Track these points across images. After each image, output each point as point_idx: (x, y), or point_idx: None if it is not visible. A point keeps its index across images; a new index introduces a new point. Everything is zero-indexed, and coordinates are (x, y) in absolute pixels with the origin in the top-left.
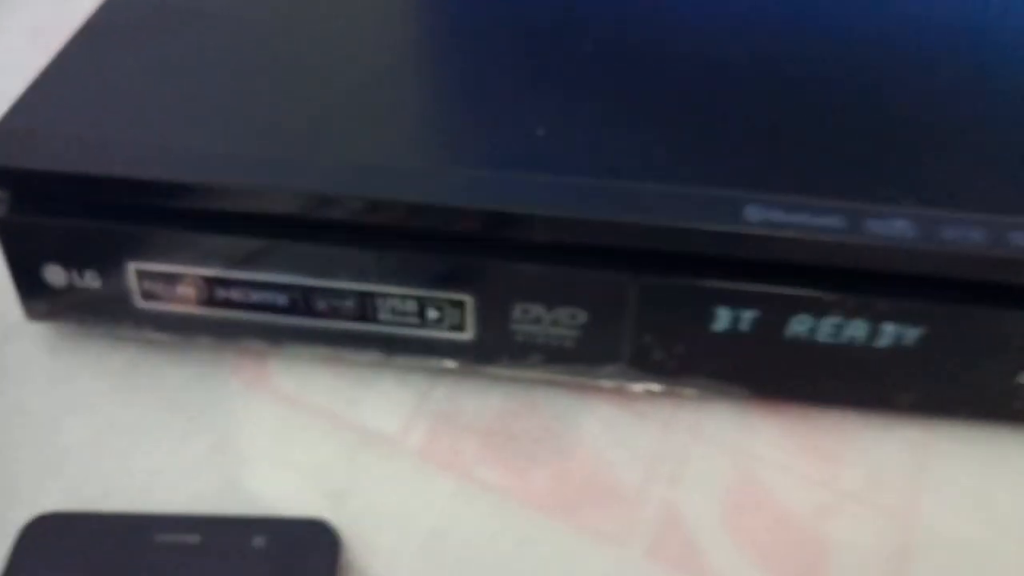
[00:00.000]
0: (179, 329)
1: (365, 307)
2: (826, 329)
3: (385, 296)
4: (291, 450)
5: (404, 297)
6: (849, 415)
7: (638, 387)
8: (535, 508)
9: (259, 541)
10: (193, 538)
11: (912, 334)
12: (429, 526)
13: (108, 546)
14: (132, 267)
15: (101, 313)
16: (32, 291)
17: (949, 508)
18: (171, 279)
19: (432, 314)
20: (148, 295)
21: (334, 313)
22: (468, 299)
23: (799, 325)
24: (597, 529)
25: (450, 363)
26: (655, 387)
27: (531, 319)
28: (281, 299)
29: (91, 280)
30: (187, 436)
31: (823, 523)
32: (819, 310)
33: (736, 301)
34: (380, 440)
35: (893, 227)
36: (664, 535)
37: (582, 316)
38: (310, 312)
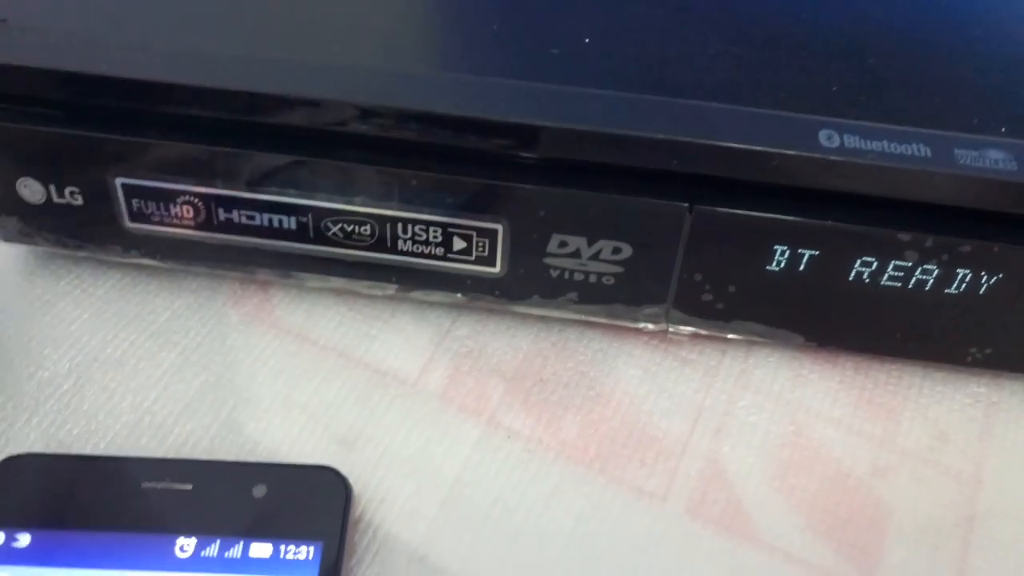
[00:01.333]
0: (171, 255)
1: (384, 234)
2: (894, 273)
3: (406, 222)
4: (296, 390)
5: (428, 224)
6: (911, 369)
7: (683, 330)
8: (566, 459)
9: (259, 490)
10: (184, 485)
11: (989, 281)
12: (450, 477)
13: (88, 493)
14: (118, 182)
15: (84, 235)
16: (5, 208)
17: (1018, 471)
18: (163, 197)
19: (459, 244)
20: (136, 215)
21: (348, 240)
22: (500, 227)
23: (864, 267)
24: (633, 483)
25: (476, 300)
26: (701, 331)
27: (568, 252)
28: (289, 223)
29: (72, 196)
30: (179, 372)
31: (880, 484)
32: (889, 251)
33: (798, 237)
34: (396, 381)
35: (986, 158)
36: (706, 492)
37: (626, 250)
38: (321, 238)
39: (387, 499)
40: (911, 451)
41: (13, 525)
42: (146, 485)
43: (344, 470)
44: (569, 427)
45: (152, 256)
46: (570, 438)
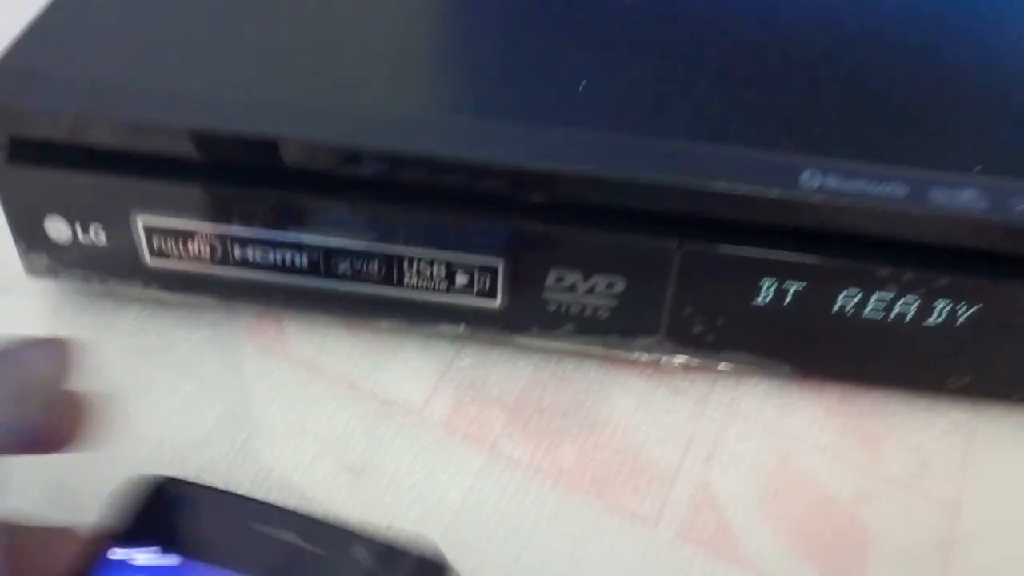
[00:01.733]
0: (190, 289)
1: (390, 270)
2: (876, 305)
3: (412, 259)
4: (308, 419)
5: (432, 260)
6: (894, 397)
7: (675, 361)
8: (564, 486)
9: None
10: (289, 535)
11: (967, 312)
12: (455, 503)
13: (218, 522)
14: (140, 221)
15: (107, 270)
16: (33, 245)
17: (998, 497)
18: (182, 235)
19: (461, 279)
20: (157, 252)
21: (357, 276)
22: (500, 263)
23: (848, 300)
24: (628, 508)
25: (477, 332)
26: (692, 361)
27: (565, 287)
28: (301, 260)
29: (96, 235)
30: (197, 402)
31: (864, 509)
32: (871, 284)
33: (784, 272)
34: (403, 411)
35: (960, 197)
36: (697, 517)
37: (620, 284)
38: (331, 274)
39: (393, 525)
40: (894, 477)
41: (165, 545)
42: (255, 527)
43: (352, 498)
44: (566, 455)
45: (171, 290)
46: (567, 466)
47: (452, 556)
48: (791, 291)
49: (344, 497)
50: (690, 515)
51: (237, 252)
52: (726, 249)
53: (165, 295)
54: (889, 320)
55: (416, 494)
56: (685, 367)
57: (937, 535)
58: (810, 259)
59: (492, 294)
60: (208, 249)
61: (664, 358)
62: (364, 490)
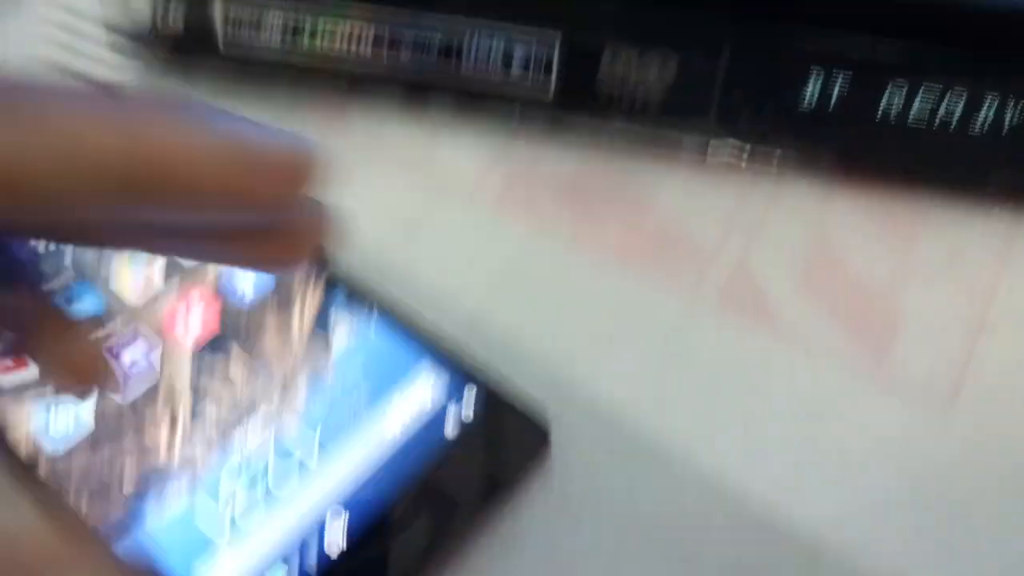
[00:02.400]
0: (259, 75)
1: (450, 46)
2: (923, 99)
3: (472, 33)
4: (365, 188)
5: (491, 35)
6: (936, 197)
7: (721, 153)
8: (607, 253)
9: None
10: None
11: (1014, 109)
12: (500, 259)
13: None
14: (217, 7)
15: (184, 56)
16: (118, 29)
17: None
18: (255, 15)
19: (518, 60)
20: (231, 36)
21: (419, 52)
22: (557, 37)
23: (895, 92)
24: (666, 276)
25: (531, 119)
26: (738, 152)
27: (620, 63)
28: (365, 41)
29: (174, 20)
30: None
31: (897, 291)
32: (918, 74)
33: (833, 60)
34: (455, 186)
35: None
36: (735, 288)
37: (672, 64)
38: (393, 54)
39: (442, 278)
40: (929, 265)
41: None
42: None
43: (405, 256)
44: (610, 232)
45: (241, 74)
46: (611, 240)
47: (493, 312)
48: (839, 81)
49: (397, 255)
50: (728, 286)
51: (306, 38)
52: (778, 30)
53: (234, 81)
54: (935, 117)
55: (464, 256)
56: (730, 160)
57: (966, 321)
58: (859, 44)
59: (547, 76)
60: (279, 34)
61: (711, 151)
62: (416, 250)
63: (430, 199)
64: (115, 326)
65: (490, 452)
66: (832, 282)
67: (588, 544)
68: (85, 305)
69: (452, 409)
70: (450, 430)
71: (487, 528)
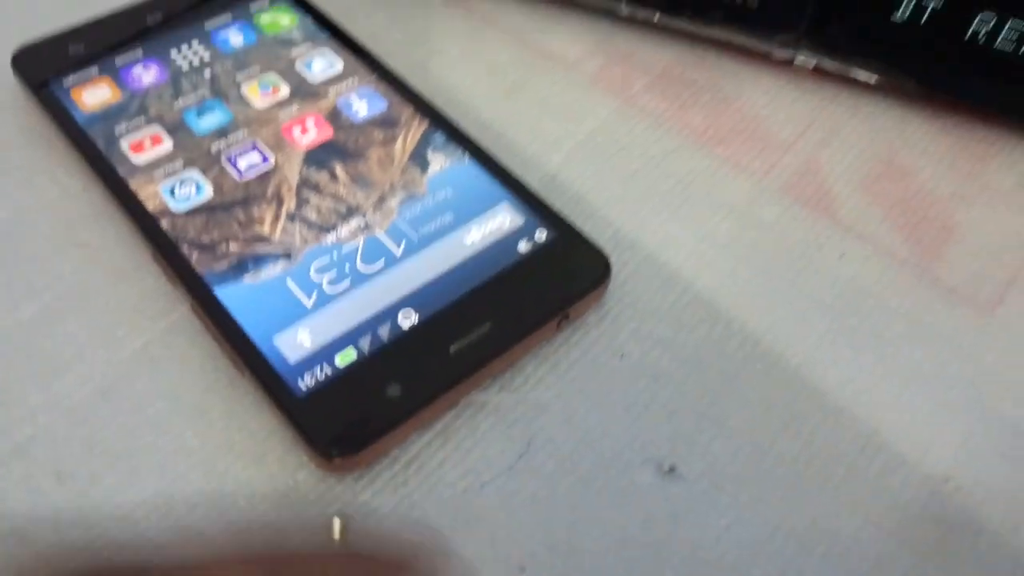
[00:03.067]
0: None
1: None
2: (1010, 32)
3: None
4: (478, 54)
5: None
6: (1011, 130)
7: (809, 61)
8: (687, 134)
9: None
10: None
11: None
12: (588, 129)
13: None
14: None
15: None
16: None
17: None
18: None
19: None
20: None
21: None
22: None
23: (982, 24)
24: (740, 163)
25: (638, 12)
26: (824, 63)
27: None
28: None
29: None
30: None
31: (957, 207)
32: (1007, 8)
33: None
34: (559, 62)
35: None
36: (801, 178)
37: None
38: None
39: (532, 137)
40: (993, 189)
41: None
42: None
43: (502, 111)
44: (695, 116)
45: None
46: (693, 123)
47: (573, 172)
48: (929, 8)
49: (497, 112)
50: (796, 177)
51: None
52: None
53: None
54: (1019, 50)
55: (555, 121)
56: (816, 70)
57: (1020, 239)
58: None
59: None
60: None
61: (799, 58)
62: (513, 111)
63: (532, 70)
64: (237, 137)
65: (555, 272)
66: (895, 189)
67: (627, 378)
68: (214, 118)
69: (525, 234)
70: (522, 247)
71: (541, 342)
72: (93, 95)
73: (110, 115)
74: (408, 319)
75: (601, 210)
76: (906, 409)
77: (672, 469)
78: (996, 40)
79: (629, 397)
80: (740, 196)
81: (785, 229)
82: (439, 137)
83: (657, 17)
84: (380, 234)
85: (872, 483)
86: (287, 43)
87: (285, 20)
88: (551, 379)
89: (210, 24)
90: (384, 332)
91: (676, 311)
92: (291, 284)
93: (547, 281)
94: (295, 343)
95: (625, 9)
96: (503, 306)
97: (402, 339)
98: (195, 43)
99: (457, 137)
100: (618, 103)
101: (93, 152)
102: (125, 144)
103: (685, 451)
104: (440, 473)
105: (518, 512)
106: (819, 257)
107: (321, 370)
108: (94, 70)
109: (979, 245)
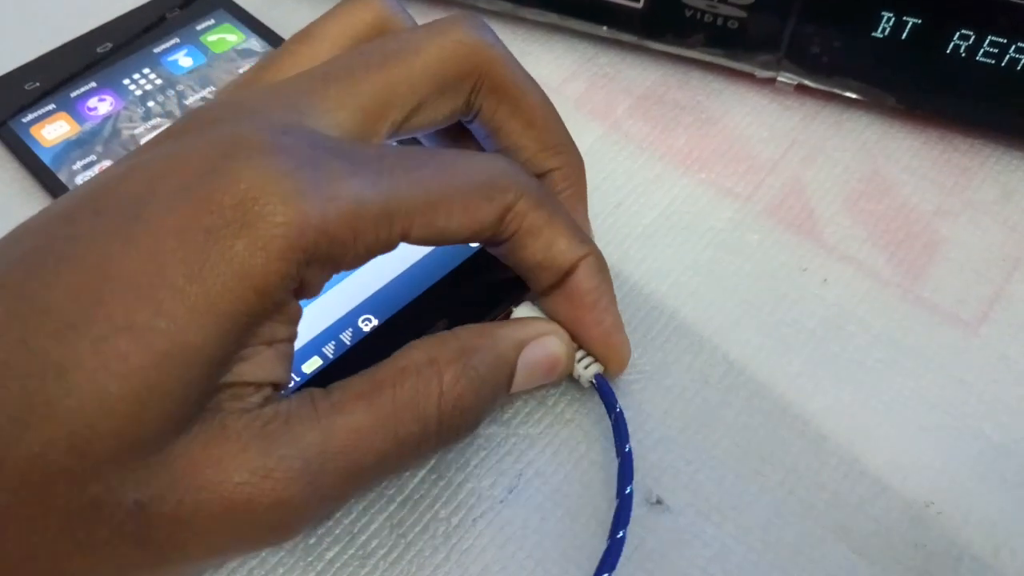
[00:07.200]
0: None
1: None
2: (989, 48)
3: None
4: None
5: None
6: (993, 142)
7: (790, 79)
8: (670, 159)
9: None
10: None
11: None
12: None
13: None
14: None
15: None
16: None
17: None
18: None
19: None
20: None
21: None
22: None
23: (962, 40)
24: (724, 185)
25: (619, 34)
26: (806, 81)
27: None
28: None
29: None
30: None
31: (941, 222)
32: (985, 25)
33: (903, 4)
34: (542, 86)
35: None
36: (785, 200)
37: None
38: None
39: None
40: (975, 202)
41: None
42: None
43: None
44: (678, 138)
45: None
46: (677, 145)
47: None
48: (909, 26)
49: None
50: (780, 197)
51: None
52: None
53: None
54: (1000, 65)
55: None
56: (798, 88)
57: (1003, 253)
58: None
59: None
60: None
61: (781, 76)
62: None
63: None
64: None
65: (504, 268)
66: (878, 207)
67: None
68: None
69: None
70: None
71: None
72: (53, 130)
73: (72, 148)
74: (368, 323)
75: None
76: (888, 434)
77: (659, 501)
78: (976, 56)
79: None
80: (723, 221)
81: (768, 252)
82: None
83: (639, 40)
84: None
85: (855, 509)
86: (238, 59)
87: (232, 38)
88: (540, 412)
89: (158, 48)
90: (347, 337)
91: (660, 342)
92: None
93: (498, 274)
94: None
95: (606, 32)
96: (459, 302)
97: (365, 343)
98: (146, 69)
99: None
100: (603, 129)
101: (60, 187)
102: (90, 176)
103: (671, 481)
104: (433, 510)
105: (509, 545)
106: (803, 281)
107: (292, 381)
108: (51, 105)
109: (962, 261)
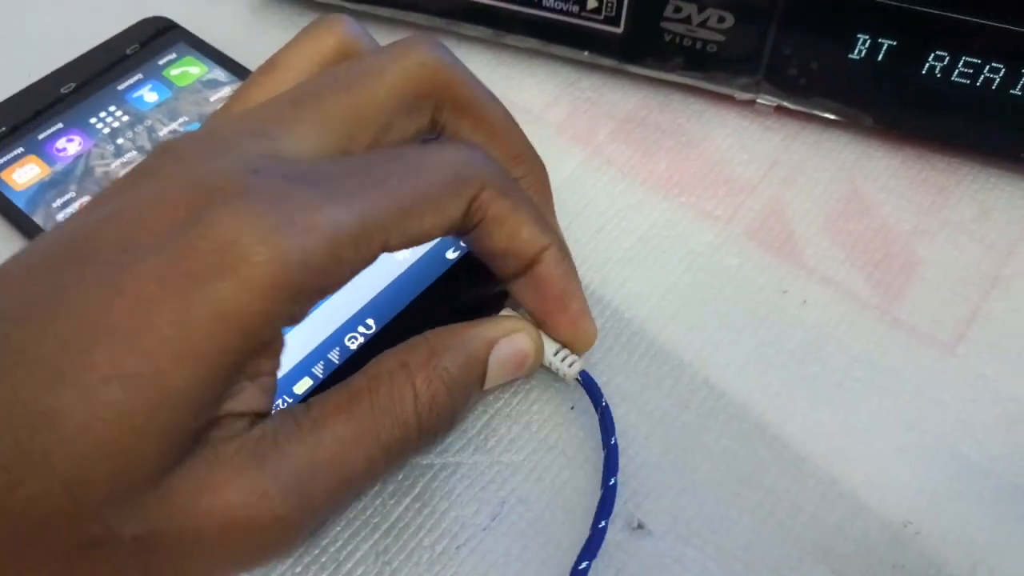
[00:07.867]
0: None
1: None
2: (964, 68)
3: None
4: None
5: None
6: (970, 162)
7: (769, 101)
8: (652, 183)
9: None
10: None
11: None
12: (556, 183)
13: None
14: None
15: None
16: None
17: None
18: None
19: (591, 2)
20: None
21: None
22: None
23: (937, 60)
24: (704, 208)
25: (599, 59)
26: (785, 103)
27: (682, 17)
28: None
29: None
30: None
31: (919, 241)
32: (959, 47)
33: (880, 25)
34: (523, 111)
35: None
36: (765, 222)
37: (729, 20)
38: None
39: None
40: (953, 221)
41: None
42: None
43: None
44: (659, 162)
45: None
46: (658, 170)
47: None
48: (885, 46)
49: None
50: (760, 219)
51: None
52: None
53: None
54: (975, 85)
55: None
56: (778, 110)
57: (980, 271)
58: (904, 14)
59: (616, 21)
60: None
61: (760, 98)
62: None
63: None
64: None
65: (482, 274)
66: (857, 227)
67: (596, 435)
68: None
69: (451, 244)
70: (450, 254)
71: None
72: (23, 174)
73: (46, 189)
74: (355, 341)
75: None
76: (866, 455)
77: (640, 525)
78: (951, 76)
79: (598, 454)
80: (704, 245)
81: (748, 275)
82: None
83: (619, 64)
84: None
85: (834, 530)
86: (204, 90)
87: (195, 70)
88: (522, 439)
89: (122, 85)
90: (335, 356)
91: (642, 366)
92: None
93: (477, 283)
94: None
95: (587, 56)
96: (441, 313)
97: (353, 360)
98: (112, 107)
99: None
100: (584, 154)
101: (35, 229)
102: (64, 217)
103: (652, 506)
104: (418, 537)
105: (492, 572)
106: (782, 303)
107: (283, 402)
108: (19, 149)
109: (939, 281)
